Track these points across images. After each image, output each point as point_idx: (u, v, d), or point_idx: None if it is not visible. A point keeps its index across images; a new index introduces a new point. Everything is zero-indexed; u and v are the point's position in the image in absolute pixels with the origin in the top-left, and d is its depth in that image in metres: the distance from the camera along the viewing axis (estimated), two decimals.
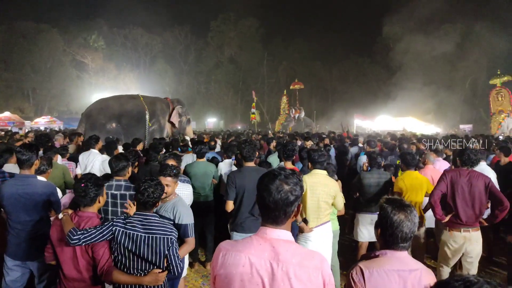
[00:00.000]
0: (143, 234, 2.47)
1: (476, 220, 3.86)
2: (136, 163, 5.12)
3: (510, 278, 4.02)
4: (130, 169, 3.57)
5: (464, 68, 40.03)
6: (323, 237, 3.78)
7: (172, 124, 12.34)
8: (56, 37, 40.10)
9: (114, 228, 2.51)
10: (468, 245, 3.88)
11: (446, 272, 4.07)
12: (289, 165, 4.63)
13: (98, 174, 5.71)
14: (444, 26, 40.22)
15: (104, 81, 43.74)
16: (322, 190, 3.74)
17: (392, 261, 1.84)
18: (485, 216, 3.98)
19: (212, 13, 51.32)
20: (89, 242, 2.48)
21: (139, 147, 7.50)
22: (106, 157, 5.87)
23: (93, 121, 10.40)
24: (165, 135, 11.65)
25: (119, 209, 3.31)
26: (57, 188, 3.61)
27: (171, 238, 2.53)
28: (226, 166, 5.74)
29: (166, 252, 2.51)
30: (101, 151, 6.28)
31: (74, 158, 6.35)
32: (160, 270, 2.52)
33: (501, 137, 13.13)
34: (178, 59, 52.28)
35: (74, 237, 2.42)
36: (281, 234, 1.57)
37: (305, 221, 3.71)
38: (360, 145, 9.14)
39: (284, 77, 49.04)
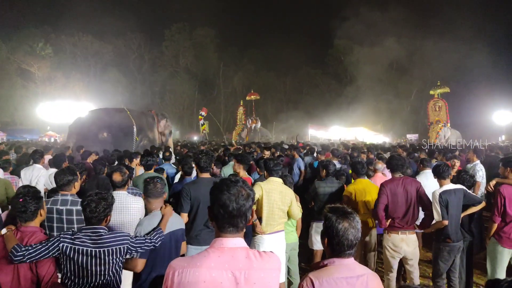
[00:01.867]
0: (93, 249, 2.39)
1: (411, 223, 4.14)
2: (84, 176, 4.91)
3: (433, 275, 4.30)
4: (77, 183, 3.41)
5: (410, 80, 42.40)
6: (275, 246, 3.82)
7: (161, 135, 12.79)
8: None
9: (61, 245, 2.40)
10: (406, 247, 4.13)
11: (393, 278, 4.26)
12: (243, 174, 4.65)
13: (43, 189, 5.45)
14: (390, 40, 42.43)
15: (52, 90, 41.53)
16: (277, 197, 3.84)
17: (341, 269, 1.88)
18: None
19: (166, 22, 50.83)
20: (34, 259, 2.35)
21: (90, 159, 7.21)
22: (54, 171, 5.60)
23: (86, 132, 10.66)
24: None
25: (65, 225, 3.13)
26: None
27: (125, 247, 2.50)
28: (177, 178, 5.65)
29: (122, 261, 2.53)
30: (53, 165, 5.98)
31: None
32: None
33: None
34: (132, 68, 50.97)
35: (18, 254, 2.29)
36: (237, 242, 1.58)
37: (259, 219, 3.79)
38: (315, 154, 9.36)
39: (240, 87, 49.38)
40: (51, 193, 4.02)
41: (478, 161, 6.79)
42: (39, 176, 5.70)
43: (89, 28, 45.50)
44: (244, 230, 1.63)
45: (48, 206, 3.12)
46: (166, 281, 1.55)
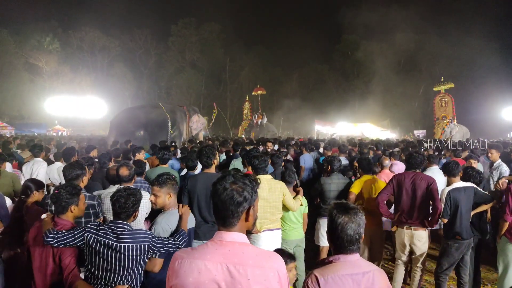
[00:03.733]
0: (114, 243, 2.43)
1: (418, 219, 4.14)
2: (91, 170, 4.91)
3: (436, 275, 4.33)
4: (86, 178, 3.42)
5: (417, 76, 42.06)
6: (271, 244, 3.82)
7: (191, 129, 13.83)
8: (6, 38, 37.83)
9: (86, 234, 2.49)
10: (411, 242, 4.18)
11: (401, 266, 4.38)
12: (250, 169, 4.62)
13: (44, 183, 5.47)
14: (399, 35, 42.09)
15: (59, 84, 41.80)
16: (267, 195, 3.84)
17: (345, 265, 1.87)
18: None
19: (173, 17, 50.80)
20: (62, 244, 2.47)
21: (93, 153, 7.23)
22: (59, 165, 5.63)
23: (123, 129, 11.59)
24: (182, 141, 12.85)
25: None
26: (5, 197, 3.42)
27: (146, 245, 2.50)
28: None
29: (145, 259, 2.53)
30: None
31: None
32: (125, 287, 2.46)
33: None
34: (138, 63, 51.09)
35: (49, 235, 2.44)
36: (236, 237, 1.58)
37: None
38: (321, 150, 9.32)
39: (246, 83, 49.25)
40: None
41: (500, 160, 6.20)
42: (39, 169, 5.73)
43: (96, 23, 45.60)
44: (241, 226, 1.61)
45: None
46: (168, 270, 1.61)
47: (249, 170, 4.62)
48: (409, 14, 40.83)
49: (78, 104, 37.63)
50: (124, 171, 3.78)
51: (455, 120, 22.54)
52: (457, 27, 40.03)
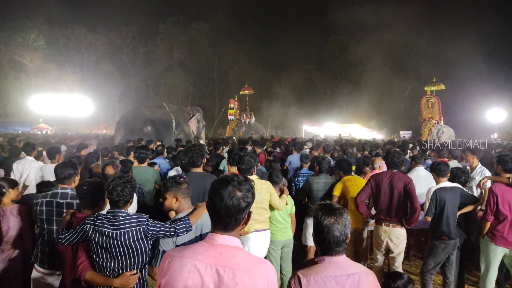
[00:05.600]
0: (111, 230, 2.43)
1: (396, 217, 4.19)
2: (80, 169, 4.85)
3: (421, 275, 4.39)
4: (77, 178, 3.36)
5: (404, 77, 42.58)
6: (260, 244, 3.81)
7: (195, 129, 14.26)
8: None
9: (85, 226, 2.51)
10: (388, 240, 4.22)
11: (375, 268, 4.41)
12: (233, 170, 4.60)
13: (34, 182, 5.39)
14: (386, 37, 42.55)
15: (44, 82, 41.05)
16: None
17: (330, 267, 1.85)
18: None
19: (161, 15, 50.32)
20: (72, 242, 2.57)
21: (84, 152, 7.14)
22: (41, 164, 5.56)
23: (132, 127, 11.89)
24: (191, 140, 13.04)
25: None
26: None
27: (141, 229, 2.47)
28: (174, 173, 5.60)
29: (146, 244, 2.50)
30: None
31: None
32: (133, 272, 2.47)
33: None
34: (125, 61, 50.48)
35: (58, 237, 2.58)
36: (229, 241, 1.57)
37: None
38: (308, 150, 9.34)
39: (235, 82, 49.11)
40: (40, 186, 3.97)
41: (479, 164, 5.78)
42: (30, 168, 5.65)
43: (83, 20, 45.02)
44: (237, 230, 1.61)
45: (47, 199, 3.12)
46: (160, 268, 1.62)
47: (232, 169, 4.59)
48: (397, 17, 41.31)
49: (64, 102, 37.10)
50: (109, 170, 3.74)
51: (442, 121, 22.85)
52: (443, 30, 40.74)
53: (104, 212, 2.62)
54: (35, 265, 3.19)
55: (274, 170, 4.60)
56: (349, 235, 1.93)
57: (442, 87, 23.83)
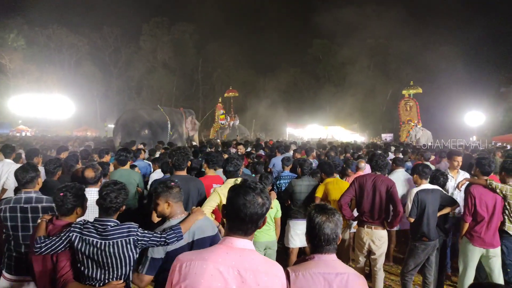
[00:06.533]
0: (99, 240, 2.33)
1: (378, 219, 4.27)
2: (59, 172, 4.73)
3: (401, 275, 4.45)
4: (40, 179, 3.26)
5: (385, 81, 43.25)
6: None
7: (188, 130, 14.40)
8: None
9: (71, 234, 2.37)
10: (370, 242, 4.28)
11: (361, 264, 4.49)
12: (211, 172, 4.57)
13: (13, 186, 5.23)
14: (368, 41, 43.14)
15: (24, 83, 40.05)
16: None
17: (319, 264, 1.89)
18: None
19: (145, 16, 49.80)
20: (53, 251, 2.38)
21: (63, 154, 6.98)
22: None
23: (129, 129, 12.00)
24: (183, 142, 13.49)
25: (30, 224, 3.01)
26: None
27: (131, 239, 2.38)
28: (157, 176, 5.54)
29: (134, 254, 2.41)
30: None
31: None
32: (120, 282, 2.39)
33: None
34: (107, 62, 49.78)
35: (37, 245, 2.36)
36: (247, 244, 1.63)
37: (223, 224, 3.73)
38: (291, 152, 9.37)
39: (219, 84, 49.00)
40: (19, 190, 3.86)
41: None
42: (9, 171, 5.48)
43: (64, 20, 44.21)
44: (253, 234, 1.68)
45: (11, 205, 3.00)
46: (172, 273, 1.61)
47: (210, 172, 4.54)
48: (379, 22, 41.99)
49: (44, 104, 36.27)
50: (89, 173, 3.66)
51: (420, 124, 23.26)
52: (424, 35, 41.61)
53: (91, 219, 2.51)
54: (3, 272, 3.07)
55: (263, 173, 4.60)
56: (340, 236, 1.98)
57: (420, 90, 24.27)
